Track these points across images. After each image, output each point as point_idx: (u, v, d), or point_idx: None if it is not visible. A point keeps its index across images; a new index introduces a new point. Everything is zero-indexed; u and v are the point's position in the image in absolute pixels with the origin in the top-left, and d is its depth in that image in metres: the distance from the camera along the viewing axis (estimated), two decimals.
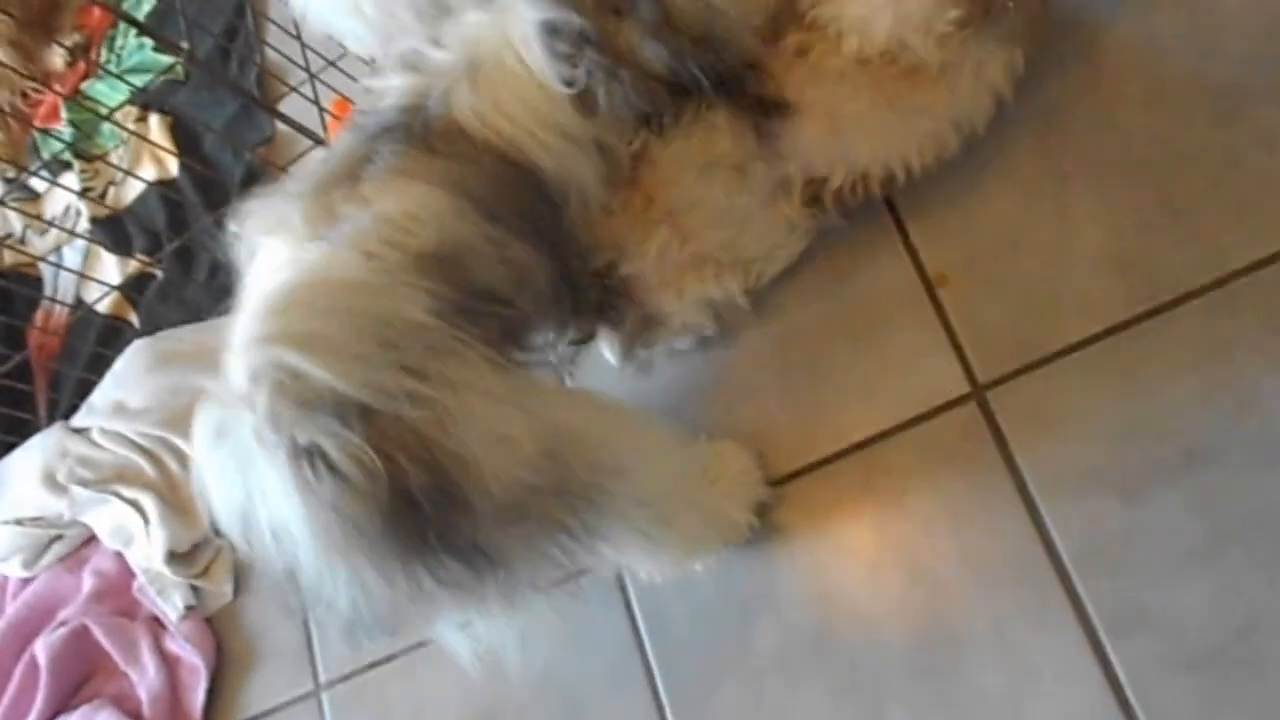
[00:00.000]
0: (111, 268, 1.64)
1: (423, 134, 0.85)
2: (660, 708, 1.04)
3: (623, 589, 1.09)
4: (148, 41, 1.80)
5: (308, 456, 0.68)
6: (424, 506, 0.70)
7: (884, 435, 1.03)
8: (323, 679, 1.22)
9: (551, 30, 0.86)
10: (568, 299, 0.95)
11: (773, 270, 1.09)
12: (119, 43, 1.90)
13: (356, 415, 0.69)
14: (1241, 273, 0.93)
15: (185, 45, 1.67)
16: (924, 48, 0.93)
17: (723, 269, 1.05)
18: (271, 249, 0.82)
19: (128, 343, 1.46)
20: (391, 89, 0.89)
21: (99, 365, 1.47)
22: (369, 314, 0.74)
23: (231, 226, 0.87)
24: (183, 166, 1.60)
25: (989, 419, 0.98)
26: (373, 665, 1.19)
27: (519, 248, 0.86)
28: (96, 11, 1.93)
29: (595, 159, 0.92)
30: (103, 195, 1.73)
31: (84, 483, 1.35)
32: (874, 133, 0.98)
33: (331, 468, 0.68)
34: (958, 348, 1.02)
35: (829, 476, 1.04)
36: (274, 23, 1.51)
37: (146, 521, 1.29)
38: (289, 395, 0.69)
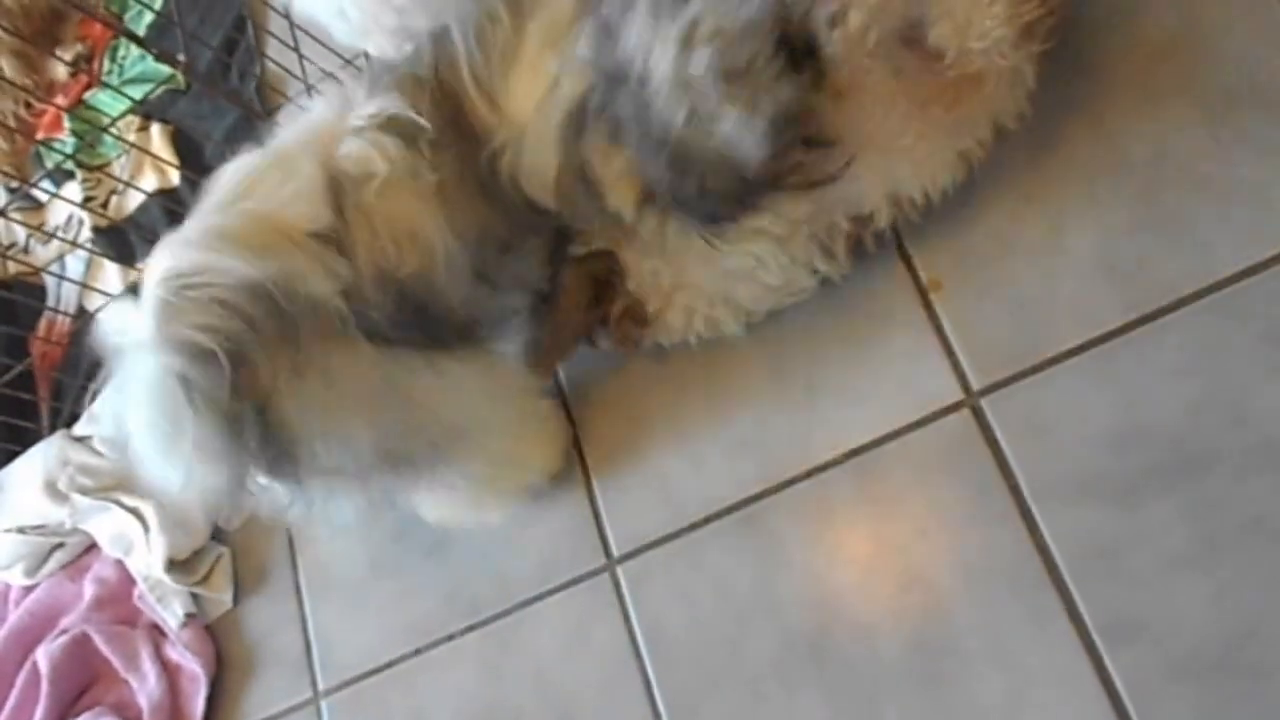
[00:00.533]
0: (114, 276, 1.65)
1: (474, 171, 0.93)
2: (657, 714, 1.04)
3: (619, 595, 1.09)
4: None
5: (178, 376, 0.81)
6: (253, 445, 0.84)
7: (878, 442, 1.03)
8: (322, 686, 1.22)
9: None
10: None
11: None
12: (121, 53, 1.91)
13: (227, 352, 0.81)
14: (1233, 279, 0.93)
15: (182, 58, 1.68)
16: (999, 48, 0.91)
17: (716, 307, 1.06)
18: (298, 139, 0.94)
19: None
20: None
21: (101, 374, 1.48)
22: (263, 273, 0.84)
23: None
24: (184, 176, 1.61)
25: (983, 426, 0.98)
26: (372, 672, 1.19)
27: (505, 259, 0.96)
28: (100, 23, 1.93)
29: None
30: (105, 205, 1.73)
31: (85, 491, 1.36)
32: (920, 159, 0.97)
33: (191, 387, 0.81)
34: (951, 354, 1.02)
35: (824, 484, 1.04)
36: (273, 35, 1.52)
37: (147, 529, 1.30)
38: (175, 323, 0.82)
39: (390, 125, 0.91)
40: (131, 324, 0.84)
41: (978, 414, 0.99)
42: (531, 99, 0.91)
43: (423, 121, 0.91)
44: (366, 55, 1.50)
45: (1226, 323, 0.92)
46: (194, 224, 0.90)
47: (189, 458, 0.83)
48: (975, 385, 1.00)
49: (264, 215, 0.88)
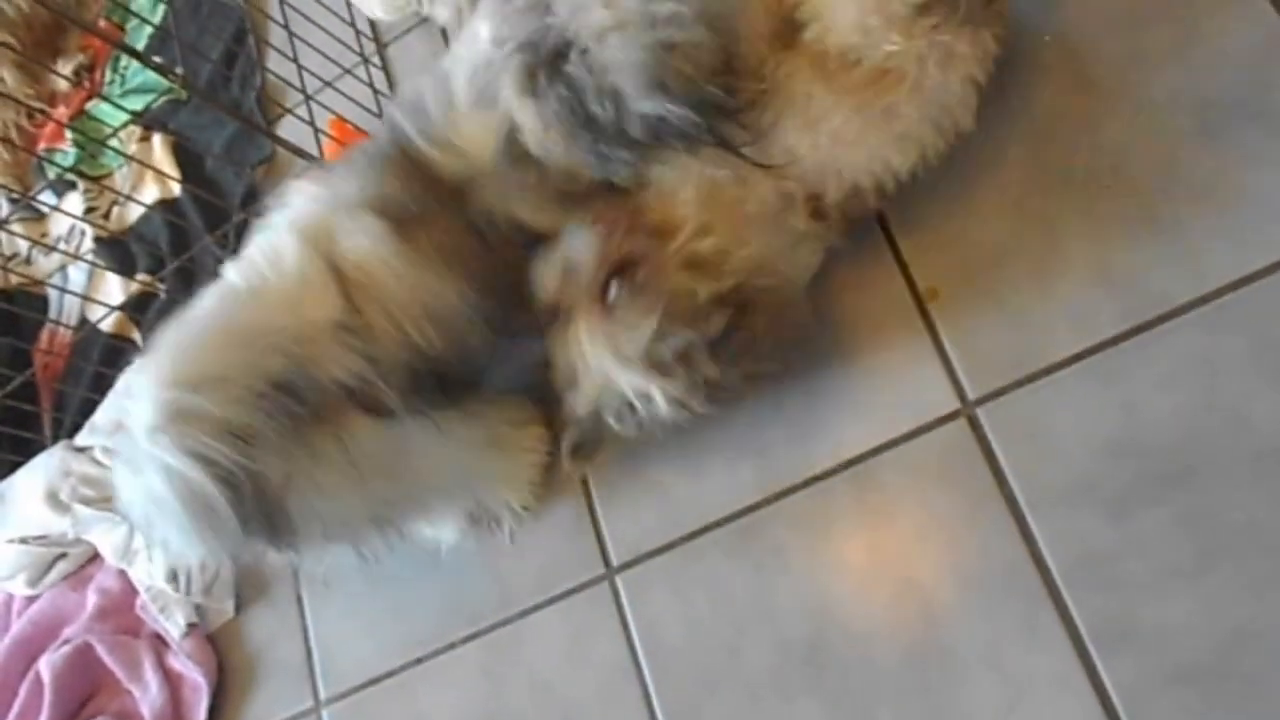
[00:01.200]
0: (115, 287, 1.65)
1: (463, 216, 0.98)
2: None
3: (619, 604, 1.10)
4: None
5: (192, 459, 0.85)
6: (256, 530, 0.89)
7: (876, 451, 1.03)
8: (323, 695, 1.23)
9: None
10: None
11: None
12: (123, 63, 1.92)
13: (230, 438, 0.86)
14: (1228, 288, 0.93)
15: (180, 71, 1.69)
16: (885, 37, 0.93)
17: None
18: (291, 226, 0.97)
19: (131, 361, 1.47)
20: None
21: (102, 384, 1.49)
22: (280, 366, 0.89)
23: (282, 194, 1.02)
24: (185, 186, 1.62)
25: (979, 434, 0.99)
26: (372, 682, 1.20)
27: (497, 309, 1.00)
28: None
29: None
30: (106, 215, 1.74)
31: (87, 501, 1.36)
32: (853, 143, 0.98)
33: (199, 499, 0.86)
34: (947, 363, 1.03)
35: (822, 492, 1.04)
36: (273, 46, 1.53)
37: (149, 540, 1.30)
38: (179, 424, 0.86)
39: (377, 207, 0.95)
40: (138, 409, 0.88)
41: (974, 423, 1.00)
42: (482, 128, 0.96)
43: (403, 196, 0.95)
44: (365, 60, 1.51)
45: (1221, 332, 0.93)
46: (201, 318, 0.94)
47: (192, 541, 0.89)
48: (971, 394, 1.01)
49: (277, 308, 0.92)
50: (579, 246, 0.95)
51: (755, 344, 0.96)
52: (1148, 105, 1.02)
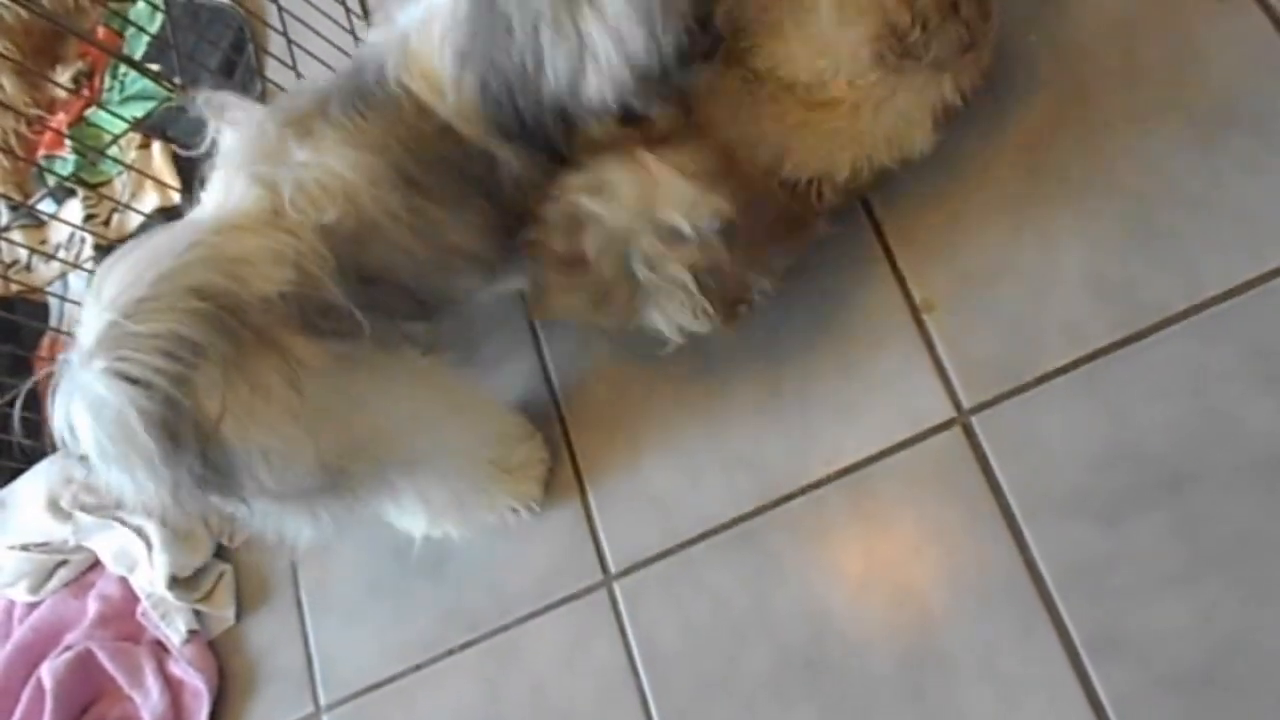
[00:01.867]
0: None
1: (364, 96, 0.93)
2: None
3: (616, 611, 1.11)
4: (151, 68, 1.82)
5: (121, 383, 0.80)
6: (195, 465, 0.82)
7: (872, 459, 1.04)
8: (323, 701, 1.23)
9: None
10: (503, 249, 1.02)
11: None
12: (122, 70, 1.92)
13: (163, 355, 0.80)
14: (1221, 298, 0.94)
15: (178, 80, 1.70)
16: (841, 84, 0.95)
17: None
18: (227, 162, 0.95)
19: None
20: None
21: None
22: (223, 289, 0.83)
23: (207, 102, 1.00)
24: (184, 194, 1.62)
25: (973, 443, 1.00)
26: (372, 688, 1.21)
27: (440, 213, 0.95)
28: (100, 38, 1.95)
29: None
30: (107, 222, 1.75)
31: (88, 509, 1.37)
32: (809, 147, 1.00)
33: (131, 414, 0.80)
34: (943, 373, 1.04)
35: (819, 501, 1.05)
36: (271, 54, 1.53)
37: (149, 547, 1.31)
38: (110, 346, 0.80)
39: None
40: (80, 336, 0.83)
41: (968, 431, 1.01)
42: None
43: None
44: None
45: (1213, 341, 0.93)
46: (145, 243, 0.88)
47: (133, 471, 0.83)
48: (966, 403, 1.01)
49: (214, 226, 0.90)
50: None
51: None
52: (1141, 115, 1.03)
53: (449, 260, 0.98)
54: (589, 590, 1.13)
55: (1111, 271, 0.99)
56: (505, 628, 1.15)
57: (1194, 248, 0.97)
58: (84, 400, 0.81)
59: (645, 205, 0.92)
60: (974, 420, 1.00)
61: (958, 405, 1.02)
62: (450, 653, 1.17)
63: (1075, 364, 0.98)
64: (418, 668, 1.18)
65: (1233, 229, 0.96)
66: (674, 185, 0.91)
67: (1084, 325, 0.98)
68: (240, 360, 0.83)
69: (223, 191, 0.94)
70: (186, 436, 0.81)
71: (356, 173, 0.91)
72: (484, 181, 0.97)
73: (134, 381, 0.79)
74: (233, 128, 0.98)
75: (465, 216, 0.97)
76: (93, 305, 0.84)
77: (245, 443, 0.84)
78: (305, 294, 0.86)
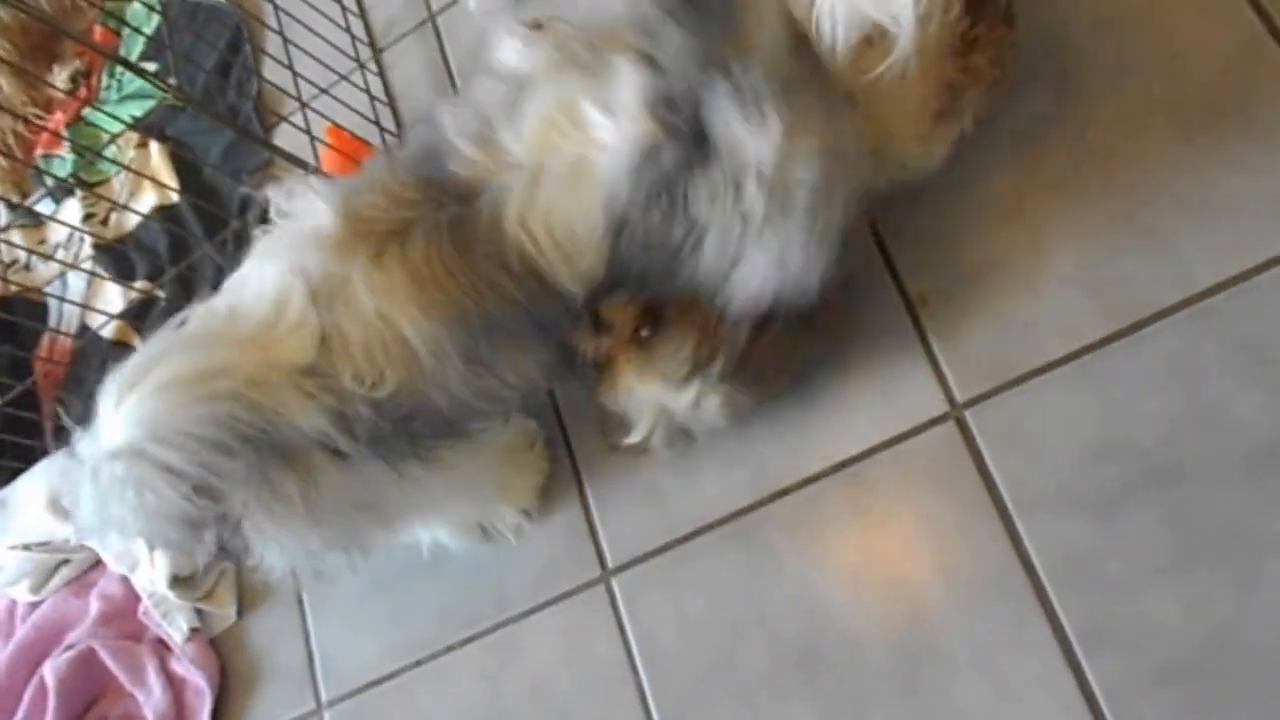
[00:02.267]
0: (115, 293, 1.67)
1: (461, 229, 0.85)
2: None
3: (614, 606, 1.12)
4: (148, 68, 1.83)
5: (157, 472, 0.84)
6: (211, 545, 0.91)
7: (867, 454, 1.05)
8: (324, 698, 1.24)
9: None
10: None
11: None
12: (119, 69, 1.92)
13: (189, 488, 0.85)
14: (1209, 291, 0.95)
15: (173, 81, 1.70)
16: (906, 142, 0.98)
17: None
18: (280, 252, 0.90)
19: None
20: (459, 154, 0.87)
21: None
22: (244, 416, 0.85)
23: (272, 191, 0.93)
24: (183, 193, 1.63)
25: (967, 438, 1.01)
26: (373, 684, 1.22)
27: (502, 367, 0.91)
28: (97, 37, 1.95)
29: None
30: (105, 221, 1.75)
31: None
32: None
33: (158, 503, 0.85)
34: (937, 367, 1.04)
35: (815, 495, 1.06)
36: (268, 54, 1.54)
37: (150, 546, 1.32)
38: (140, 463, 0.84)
39: (361, 223, 0.87)
40: (109, 426, 0.86)
41: (962, 425, 1.01)
42: (551, 138, 0.83)
43: (376, 199, 0.87)
44: (361, 66, 1.52)
45: (1203, 334, 0.94)
46: (182, 348, 0.89)
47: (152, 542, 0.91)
48: (960, 398, 1.02)
49: (246, 344, 0.88)
50: (606, 304, 0.95)
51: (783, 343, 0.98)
52: (1131, 113, 1.04)
53: (499, 393, 0.94)
54: (588, 585, 1.14)
55: (1102, 267, 1.00)
56: (505, 623, 1.16)
57: (1183, 243, 0.97)
58: (105, 485, 0.85)
59: (658, 409, 1.02)
60: (968, 414, 1.01)
61: (952, 399, 1.03)
62: (450, 649, 1.18)
63: (1067, 358, 0.99)
64: (418, 664, 1.19)
65: (1220, 225, 0.97)
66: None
67: (1075, 320, 0.99)
68: (265, 470, 0.86)
69: (273, 292, 0.88)
70: (208, 527, 0.89)
71: (424, 344, 0.86)
72: (558, 324, 0.92)
73: (169, 471, 0.83)
74: (295, 213, 0.92)
75: (528, 359, 0.93)
76: (116, 401, 0.86)
77: (260, 535, 0.91)
78: (334, 431, 0.88)
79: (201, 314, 0.92)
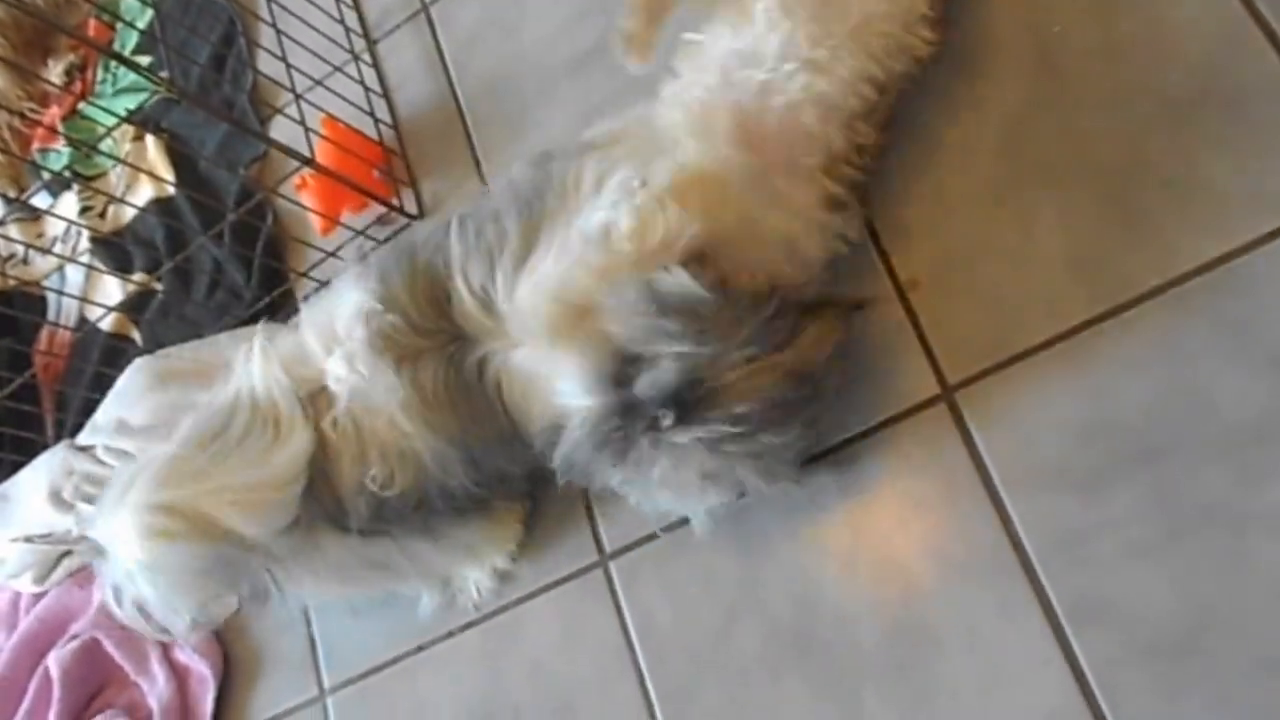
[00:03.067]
0: (114, 285, 1.67)
1: (462, 369, 0.97)
2: (650, 705, 1.08)
3: (612, 590, 1.13)
4: (143, 61, 1.83)
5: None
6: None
7: (860, 436, 1.06)
8: (327, 684, 1.26)
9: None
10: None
11: None
12: (114, 63, 1.93)
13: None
14: (1194, 273, 0.96)
15: (165, 74, 1.70)
16: None
17: None
18: (314, 335, 1.04)
19: (130, 360, 1.49)
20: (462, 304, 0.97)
21: (103, 384, 1.50)
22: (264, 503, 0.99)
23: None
24: (179, 185, 1.64)
25: (957, 419, 1.02)
26: (375, 670, 1.23)
27: (497, 461, 1.03)
28: (92, 31, 1.95)
29: None
30: (102, 214, 1.76)
31: (90, 499, 1.39)
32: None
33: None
34: (928, 350, 1.05)
35: (807, 478, 1.07)
36: (262, 47, 1.54)
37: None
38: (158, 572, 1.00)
39: (375, 339, 0.97)
40: (117, 535, 0.99)
41: (953, 408, 1.03)
42: (538, 317, 0.91)
43: (399, 321, 0.97)
44: (355, 57, 1.53)
45: (1188, 315, 0.95)
46: (183, 466, 1.01)
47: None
48: (951, 380, 1.04)
49: (254, 455, 0.99)
50: None
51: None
52: (1117, 96, 1.04)
53: (491, 481, 1.05)
54: (585, 570, 1.15)
55: (1088, 248, 1.01)
56: (505, 609, 1.18)
57: (1168, 225, 0.98)
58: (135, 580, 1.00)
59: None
60: (958, 396, 1.03)
61: (943, 382, 1.04)
62: (451, 634, 1.20)
63: (1055, 339, 1.00)
64: (419, 649, 1.21)
65: (1205, 206, 0.98)
66: None
67: (1063, 302, 1.00)
68: (284, 543, 1.00)
69: (274, 427, 1.00)
70: (234, 586, 1.06)
71: (432, 458, 0.99)
72: (544, 455, 1.00)
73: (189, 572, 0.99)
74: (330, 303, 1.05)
75: (519, 460, 1.03)
76: (126, 513, 0.99)
77: (273, 584, 1.06)
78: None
79: (211, 412, 1.04)
